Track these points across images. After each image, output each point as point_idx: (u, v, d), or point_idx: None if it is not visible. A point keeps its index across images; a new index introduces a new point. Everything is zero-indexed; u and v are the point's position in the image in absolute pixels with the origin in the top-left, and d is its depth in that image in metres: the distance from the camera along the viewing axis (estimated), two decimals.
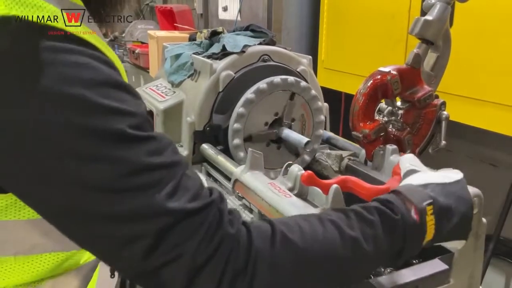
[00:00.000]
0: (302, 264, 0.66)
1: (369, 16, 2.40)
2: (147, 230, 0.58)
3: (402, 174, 0.91)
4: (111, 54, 0.67)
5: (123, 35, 5.67)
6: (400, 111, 1.21)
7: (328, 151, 1.37)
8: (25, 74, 0.55)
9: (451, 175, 0.86)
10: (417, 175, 0.88)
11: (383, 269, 1.09)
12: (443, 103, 1.23)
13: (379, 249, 0.72)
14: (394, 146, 1.16)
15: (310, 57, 1.60)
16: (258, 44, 1.49)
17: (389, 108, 1.25)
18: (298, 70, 1.52)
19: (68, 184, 0.57)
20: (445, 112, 1.24)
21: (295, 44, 3.03)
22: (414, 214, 0.76)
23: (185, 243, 0.58)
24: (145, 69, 4.33)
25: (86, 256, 0.85)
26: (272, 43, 1.53)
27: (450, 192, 0.82)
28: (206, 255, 0.59)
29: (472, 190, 1.02)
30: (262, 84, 1.35)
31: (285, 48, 1.54)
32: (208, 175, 1.41)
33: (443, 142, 1.23)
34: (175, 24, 4.42)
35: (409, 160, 0.93)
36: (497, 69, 1.86)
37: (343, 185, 0.94)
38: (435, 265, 1.03)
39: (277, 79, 1.37)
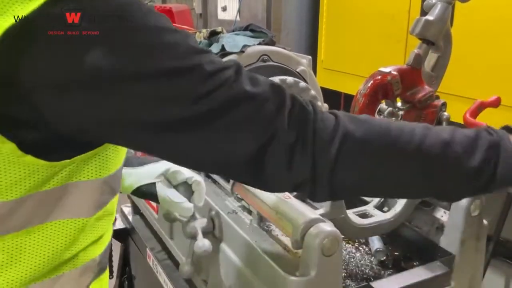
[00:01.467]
0: (388, 148, 0.67)
1: (369, 16, 2.40)
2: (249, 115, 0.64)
3: None
4: None
5: None
6: (401, 112, 1.20)
7: None
8: None
9: None
10: None
11: (383, 272, 1.09)
12: (444, 104, 1.22)
13: (470, 157, 0.69)
14: None
15: (310, 57, 1.59)
16: (258, 44, 1.48)
17: (390, 108, 1.24)
18: (297, 70, 1.51)
19: None
20: (445, 113, 1.23)
21: (295, 44, 3.03)
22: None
23: (276, 120, 0.64)
24: None
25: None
26: (271, 43, 1.52)
27: None
28: (296, 129, 0.64)
29: None
30: None
31: (285, 48, 1.53)
32: (207, 176, 1.40)
33: None
34: (174, 24, 4.41)
35: None
36: (498, 70, 1.85)
37: None
38: (436, 268, 1.03)
39: (275, 80, 1.36)
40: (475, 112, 1.17)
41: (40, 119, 0.61)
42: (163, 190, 1.07)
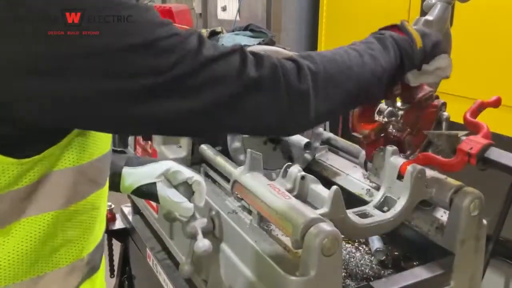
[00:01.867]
0: (342, 74, 0.84)
1: (368, 16, 2.40)
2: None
3: None
4: None
5: None
6: (400, 112, 1.19)
7: (438, 131, 1.21)
8: None
9: None
10: None
11: (383, 271, 1.09)
12: (444, 104, 1.22)
13: (380, 54, 0.89)
14: (394, 147, 1.15)
15: None
16: (258, 44, 1.49)
17: (389, 108, 1.24)
18: None
19: None
20: (445, 113, 1.23)
21: (294, 44, 3.02)
22: (399, 33, 0.94)
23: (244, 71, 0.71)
24: None
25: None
26: (271, 43, 1.52)
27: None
28: (267, 77, 0.73)
29: (473, 192, 1.02)
30: None
31: (285, 48, 1.53)
32: (207, 176, 1.40)
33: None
34: (174, 24, 4.41)
35: None
36: (498, 69, 1.86)
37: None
38: (435, 268, 1.03)
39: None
40: (476, 112, 1.16)
41: (2, 110, 0.61)
42: (163, 190, 1.07)
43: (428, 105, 1.17)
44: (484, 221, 1.06)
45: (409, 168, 1.06)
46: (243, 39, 1.49)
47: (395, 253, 1.15)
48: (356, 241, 1.20)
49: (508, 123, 1.83)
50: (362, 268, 1.09)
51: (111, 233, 1.74)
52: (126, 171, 1.13)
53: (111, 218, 1.76)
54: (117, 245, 1.81)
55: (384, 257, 1.12)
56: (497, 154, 1.04)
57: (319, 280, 0.86)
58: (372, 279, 1.06)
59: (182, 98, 0.67)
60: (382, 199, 1.12)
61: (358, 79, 0.85)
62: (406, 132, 1.16)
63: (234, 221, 1.09)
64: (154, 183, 1.09)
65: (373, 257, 1.12)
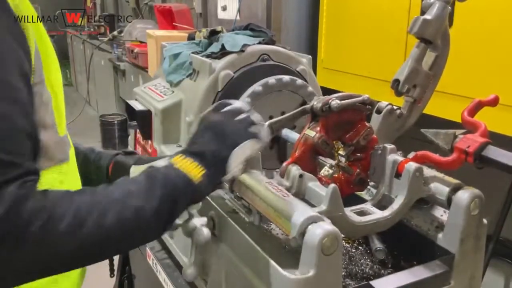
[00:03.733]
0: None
1: (368, 16, 2.39)
2: None
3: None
4: None
5: (122, 34, 5.65)
6: (343, 159, 1.16)
7: (436, 130, 1.21)
8: None
9: None
10: None
11: (383, 271, 1.09)
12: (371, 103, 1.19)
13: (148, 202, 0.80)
14: (393, 146, 1.15)
15: (310, 56, 1.59)
16: (258, 43, 1.49)
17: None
18: (297, 69, 1.51)
19: None
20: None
21: (294, 43, 3.02)
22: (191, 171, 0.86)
23: None
24: (144, 69, 4.32)
25: None
26: (271, 42, 1.53)
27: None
28: None
29: (473, 191, 1.02)
30: (257, 87, 1.36)
31: (285, 48, 1.53)
32: None
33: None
34: (174, 24, 4.40)
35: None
36: (497, 68, 1.85)
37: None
38: (435, 267, 1.03)
39: (271, 80, 1.37)
40: (473, 111, 1.16)
41: None
42: None
43: (370, 140, 1.17)
44: (484, 221, 1.06)
45: (407, 166, 1.07)
46: (243, 39, 1.49)
47: (395, 252, 1.15)
48: (356, 240, 1.20)
49: (508, 123, 1.82)
50: (362, 268, 1.09)
51: None
52: (133, 169, 1.15)
53: None
54: None
55: (384, 257, 1.12)
56: (494, 153, 1.04)
57: (319, 279, 0.86)
58: (372, 278, 1.06)
59: None
60: (380, 197, 1.12)
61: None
62: (355, 172, 1.16)
63: (234, 220, 1.09)
64: None
65: (373, 257, 1.12)
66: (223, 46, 1.45)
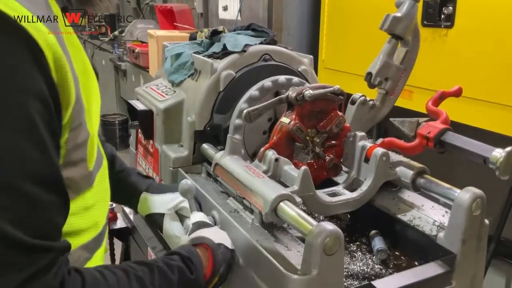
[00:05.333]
0: None
1: (369, 16, 2.39)
2: None
3: (191, 224, 1.13)
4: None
5: (123, 34, 5.66)
6: (317, 148, 1.25)
7: (402, 118, 1.31)
8: None
9: (229, 240, 1.06)
10: (213, 230, 1.09)
11: (384, 271, 1.09)
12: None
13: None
14: (363, 133, 1.24)
15: (311, 56, 1.59)
16: (259, 43, 1.49)
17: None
18: (299, 69, 1.51)
19: None
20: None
21: (295, 44, 3.02)
22: (207, 273, 0.96)
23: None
24: (145, 69, 4.33)
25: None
26: (273, 42, 1.52)
27: (228, 259, 1.02)
28: None
29: (475, 191, 1.02)
30: (253, 92, 1.36)
31: (286, 48, 1.53)
32: (208, 175, 1.40)
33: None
34: (175, 24, 4.41)
35: (201, 216, 1.16)
36: (497, 69, 1.85)
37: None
38: (437, 267, 1.03)
39: (267, 83, 1.38)
40: (437, 101, 1.25)
41: None
42: (168, 223, 1.19)
43: (342, 128, 1.26)
44: (486, 221, 1.06)
45: (374, 151, 1.17)
46: (245, 39, 1.49)
47: (396, 252, 1.15)
48: (358, 240, 1.20)
49: (509, 123, 1.83)
50: (364, 268, 1.09)
51: (112, 233, 1.74)
52: (143, 196, 1.24)
53: (112, 218, 1.76)
54: (118, 245, 1.81)
55: (385, 257, 1.12)
56: (452, 138, 1.13)
57: (321, 279, 0.86)
58: (373, 278, 1.06)
59: None
60: (351, 181, 1.22)
61: None
62: (328, 158, 1.26)
63: (236, 220, 1.09)
64: (163, 214, 1.20)
65: (374, 257, 1.12)
66: (224, 46, 1.45)
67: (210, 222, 1.15)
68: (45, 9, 0.75)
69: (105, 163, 0.96)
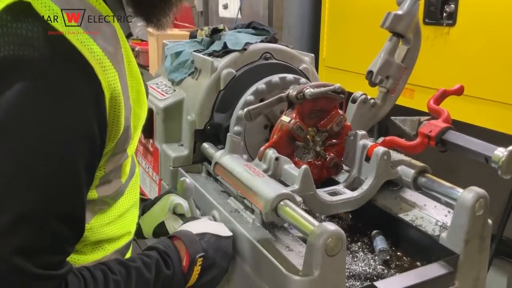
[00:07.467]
0: None
1: (370, 14, 2.38)
2: None
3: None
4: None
5: None
6: (318, 146, 1.24)
7: (404, 117, 1.32)
8: None
9: (225, 229, 1.04)
10: (199, 221, 1.07)
11: (387, 271, 1.08)
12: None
13: None
14: (364, 132, 1.23)
15: (312, 55, 1.59)
16: (260, 41, 1.48)
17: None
18: (300, 68, 1.50)
19: None
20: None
21: (296, 42, 3.01)
22: (185, 263, 0.93)
23: None
24: (145, 67, 4.31)
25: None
26: (274, 40, 1.52)
27: (220, 246, 1.00)
28: None
29: (478, 191, 1.01)
30: (261, 85, 1.36)
31: (287, 46, 1.52)
32: (209, 174, 1.39)
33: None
34: (175, 22, 4.39)
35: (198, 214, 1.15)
36: (499, 67, 1.85)
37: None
38: (439, 268, 1.02)
39: (275, 78, 1.37)
40: (438, 99, 1.24)
41: None
42: (171, 226, 1.20)
43: (343, 127, 1.25)
44: (490, 221, 1.05)
45: (375, 150, 1.15)
46: (245, 37, 1.48)
47: (399, 253, 1.14)
48: (360, 240, 1.20)
49: (510, 122, 1.82)
50: (366, 268, 1.08)
51: None
52: (140, 220, 1.24)
53: None
54: None
55: (388, 257, 1.11)
56: (454, 136, 1.12)
57: (322, 280, 0.86)
58: (375, 279, 1.05)
59: None
60: (352, 180, 1.21)
61: None
62: (329, 157, 1.25)
63: (236, 220, 1.09)
64: (163, 222, 1.22)
65: (376, 257, 1.12)
66: (225, 45, 1.44)
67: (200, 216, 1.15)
68: (113, 42, 0.76)
69: (137, 171, 1.00)
